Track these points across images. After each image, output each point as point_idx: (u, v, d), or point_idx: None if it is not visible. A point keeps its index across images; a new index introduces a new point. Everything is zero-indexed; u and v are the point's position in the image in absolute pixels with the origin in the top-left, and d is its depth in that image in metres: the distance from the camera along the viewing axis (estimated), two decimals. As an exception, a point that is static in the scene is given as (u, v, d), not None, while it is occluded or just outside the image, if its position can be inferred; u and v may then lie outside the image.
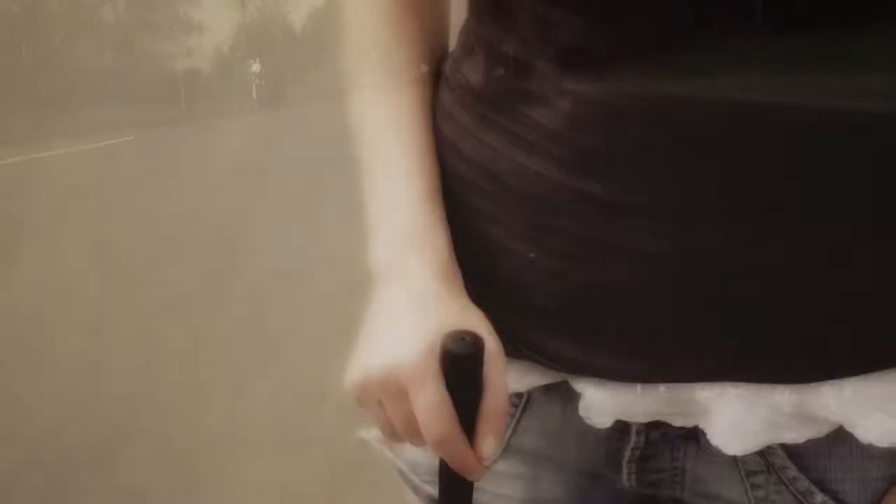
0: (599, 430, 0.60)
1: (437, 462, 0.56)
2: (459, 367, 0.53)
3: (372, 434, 0.62)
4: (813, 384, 0.55)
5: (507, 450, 0.64)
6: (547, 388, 0.62)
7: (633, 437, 0.61)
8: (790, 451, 0.58)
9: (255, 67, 27.72)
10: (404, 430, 0.55)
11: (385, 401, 0.54)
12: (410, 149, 0.61)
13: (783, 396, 0.55)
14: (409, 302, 0.55)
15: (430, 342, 0.53)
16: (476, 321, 0.55)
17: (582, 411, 0.59)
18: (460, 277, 0.58)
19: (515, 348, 0.59)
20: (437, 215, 0.59)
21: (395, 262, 0.57)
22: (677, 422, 0.59)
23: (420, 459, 0.66)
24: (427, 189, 0.60)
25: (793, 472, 0.58)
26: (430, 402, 0.52)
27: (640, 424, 0.60)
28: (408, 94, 0.63)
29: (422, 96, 0.64)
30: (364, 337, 0.56)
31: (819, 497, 0.58)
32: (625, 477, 0.63)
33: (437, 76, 0.65)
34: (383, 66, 0.64)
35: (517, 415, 0.64)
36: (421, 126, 0.62)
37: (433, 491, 0.64)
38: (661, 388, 0.57)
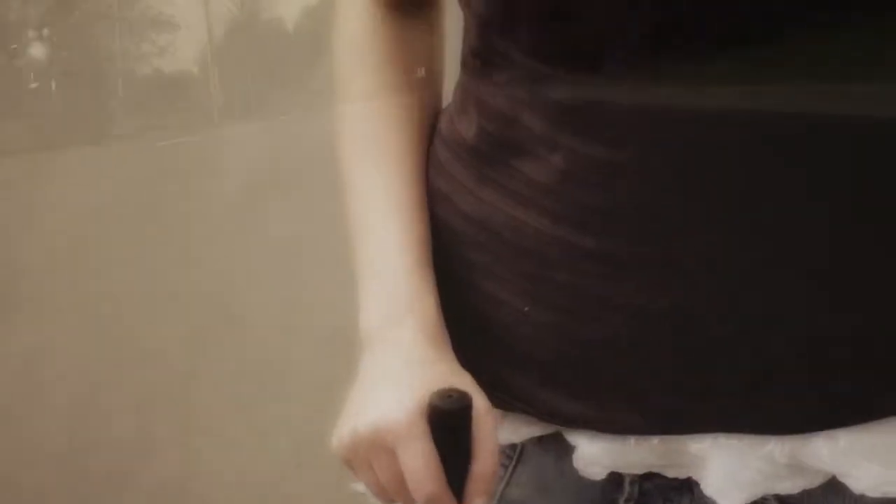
0: (593, 481, 0.60)
1: None
2: (447, 424, 0.53)
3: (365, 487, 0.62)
4: (807, 434, 0.55)
5: (500, 501, 0.64)
6: (541, 440, 0.62)
7: (627, 488, 0.61)
8: (784, 501, 0.58)
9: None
10: (394, 490, 0.54)
11: (373, 460, 0.54)
12: (400, 217, 0.61)
13: (777, 447, 0.55)
14: (397, 365, 0.56)
15: (417, 401, 0.53)
16: (464, 381, 0.55)
17: (576, 463, 0.59)
18: (449, 342, 0.59)
19: (509, 401, 0.59)
20: (425, 283, 0.60)
21: (383, 329, 0.58)
22: (671, 473, 0.59)
23: None
24: (416, 258, 0.60)
25: None
26: (418, 460, 0.52)
27: (634, 475, 0.60)
28: (400, 159, 0.64)
29: (415, 158, 0.64)
30: (351, 399, 0.56)
31: None
32: None
33: (432, 132, 0.66)
34: (376, 130, 0.65)
35: (511, 466, 0.64)
36: (411, 192, 0.63)
37: None
38: (655, 440, 0.57)
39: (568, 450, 0.60)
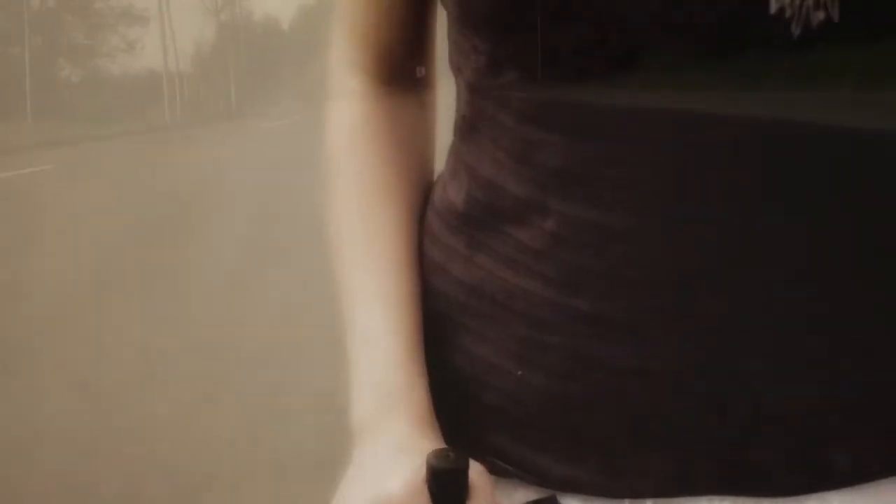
0: None
1: None
2: (445, 485, 0.53)
3: None
4: (799, 497, 0.55)
5: None
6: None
7: None
8: None
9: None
10: None
11: None
12: (392, 308, 0.62)
13: None
14: (391, 448, 0.56)
15: (415, 471, 0.53)
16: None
17: None
18: (438, 429, 0.59)
19: (503, 466, 0.60)
20: (417, 375, 0.60)
21: (374, 419, 0.58)
22: None
23: None
24: (407, 349, 0.61)
25: None
26: None
27: None
28: (391, 247, 0.64)
29: (407, 243, 0.65)
30: (346, 481, 0.56)
31: None
32: None
33: (425, 206, 0.67)
34: (368, 217, 0.66)
35: None
36: (402, 282, 0.63)
37: None
38: (648, 502, 0.57)
39: None
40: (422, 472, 0.53)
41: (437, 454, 0.53)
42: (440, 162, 0.68)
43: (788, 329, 0.54)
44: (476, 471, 0.54)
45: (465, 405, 0.61)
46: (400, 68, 0.69)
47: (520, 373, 0.58)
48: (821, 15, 0.48)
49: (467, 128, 0.61)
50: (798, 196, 0.52)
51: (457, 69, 0.62)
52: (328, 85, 0.71)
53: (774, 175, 0.52)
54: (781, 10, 0.48)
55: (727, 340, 0.54)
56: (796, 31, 0.49)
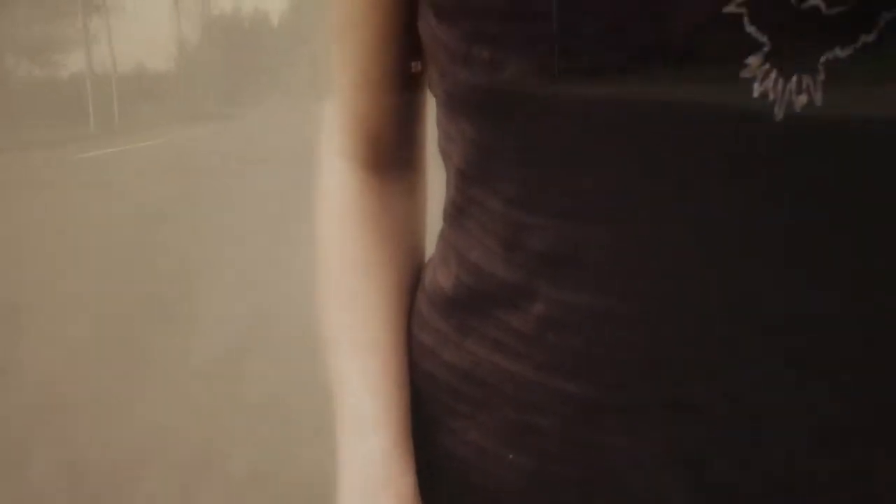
0: None
1: None
2: None
3: None
4: None
5: None
6: None
7: None
8: None
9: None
10: None
11: None
12: (381, 397, 0.62)
13: None
14: None
15: None
16: None
17: None
18: None
19: None
20: (404, 462, 0.61)
21: None
22: None
23: None
24: (394, 437, 0.61)
25: None
26: None
27: None
28: (380, 336, 0.65)
29: (396, 331, 0.65)
30: None
31: None
32: None
33: (415, 290, 0.67)
34: (357, 306, 0.66)
35: None
36: (390, 370, 0.64)
37: None
38: None
39: None
40: None
41: None
42: (431, 245, 0.68)
43: (781, 418, 0.53)
44: None
45: (455, 490, 0.61)
46: (390, 155, 0.69)
47: (511, 457, 0.58)
48: (804, 99, 0.48)
49: (456, 212, 0.61)
50: (791, 277, 0.52)
51: (445, 154, 0.62)
52: (318, 171, 0.71)
53: (762, 260, 0.51)
54: (764, 93, 0.48)
55: (719, 426, 0.53)
56: (779, 114, 0.49)
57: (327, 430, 0.63)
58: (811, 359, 0.53)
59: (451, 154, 0.60)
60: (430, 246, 0.69)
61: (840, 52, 0.48)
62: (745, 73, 0.48)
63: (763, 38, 0.48)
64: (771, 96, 0.48)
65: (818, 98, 0.48)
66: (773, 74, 0.48)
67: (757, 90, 0.48)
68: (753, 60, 0.48)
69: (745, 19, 0.48)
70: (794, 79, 0.48)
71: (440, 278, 0.63)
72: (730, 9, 0.48)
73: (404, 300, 0.67)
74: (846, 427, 0.54)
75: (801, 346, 0.53)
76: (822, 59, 0.48)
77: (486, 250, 0.58)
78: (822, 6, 0.47)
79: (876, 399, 0.54)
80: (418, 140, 0.70)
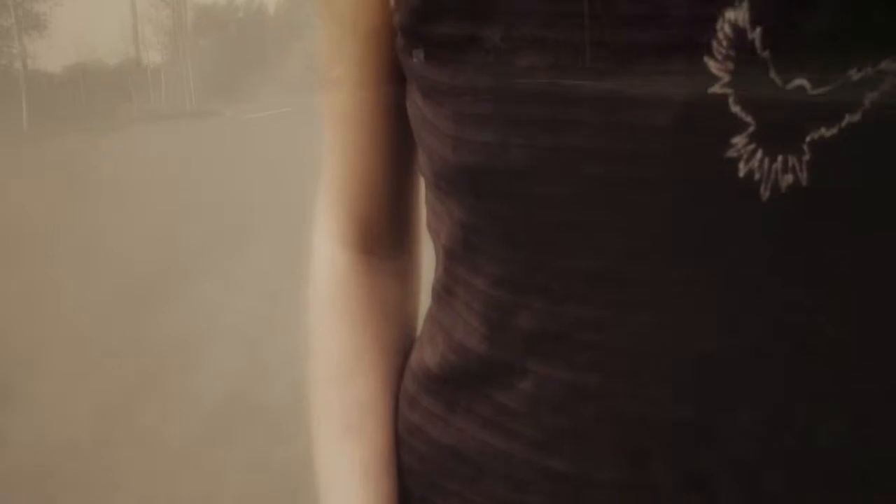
0: None
1: None
2: None
3: None
4: None
5: None
6: None
7: None
8: None
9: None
10: None
11: None
12: (367, 478, 0.63)
13: None
14: None
15: None
16: None
17: None
18: None
19: None
20: None
21: None
22: None
23: None
24: None
25: None
26: None
27: None
28: (364, 412, 0.65)
29: (381, 408, 0.66)
30: None
31: None
32: None
33: (403, 366, 0.68)
34: (346, 401, 0.67)
35: None
36: (379, 469, 0.64)
37: None
38: None
39: None
40: None
41: None
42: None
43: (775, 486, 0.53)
44: None
45: None
46: (382, 237, 0.70)
47: None
48: (790, 178, 0.48)
49: (443, 291, 0.61)
50: (780, 354, 0.51)
51: (434, 234, 0.62)
52: (310, 255, 0.71)
53: (752, 339, 0.51)
54: (750, 173, 0.48)
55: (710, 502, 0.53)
56: (765, 194, 0.48)
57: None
58: (804, 434, 0.52)
59: (439, 233, 0.60)
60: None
61: (826, 132, 0.48)
62: (730, 153, 0.48)
63: (748, 118, 0.48)
64: (756, 176, 0.48)
65: (804, 178, 0.48)
66: (759, 154, 0.48)
67: (742, 170, 0.48)
68: (739, 140, 0.48)
69: (731, 99, 0.48)
70: (780, 158, 0.48)
71: (427, 357, 0.63)
72: (715, 89, 0.48)
73: (392, 384, 0.67)
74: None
75: (795, 424, 0.52)
76: (808, 138, 0.48)
77: (473, 330, 0.58)
78: (808, 86, 0.47)
79: (871, 479, 0.53)
80: (410, 221, 0.70)
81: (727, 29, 0.47)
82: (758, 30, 0.47)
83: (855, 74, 0.47)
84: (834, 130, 0.48)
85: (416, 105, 0.57)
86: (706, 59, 0.47)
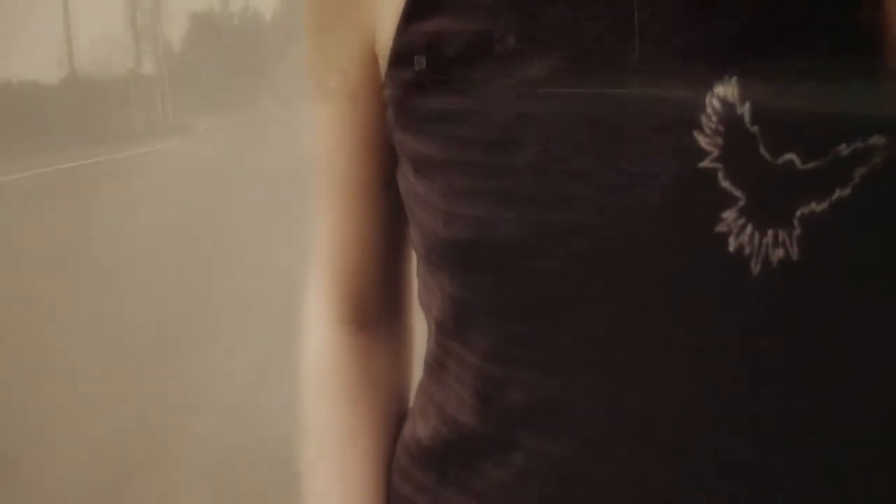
0: None
1: None
2: None
3: None
4: None
5: None
6: None
7: None
8: None
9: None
10: None
11: None
12: None
13: None
14: None
15: None
16: None
17: None
18: None
19: None
20: None
21: None
22: None
23: None
24: None
25: None
26: None
27: None
28: (356, 488, 0.65)
29: (374, 482, 0.66)
30: None
31: None
32: None
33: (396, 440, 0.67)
34: (336, 461, 0.67)
35: None
36: None
37: None
38: None
39: None
40: None
41: None
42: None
43: None
44: None
45: None
46: (374, 311, 0.69)
47: None
48: (780, 253, 0.48)
49: (435, 364, 0.61)
50: (767, 430, 0.51)
51: (426, 307, 0.62)
52: (302, 333, 0.71)
53: (742, 413, 0.51)
54: (740, 247, 0.48)
55: None
56: (756, 268, 0.48)
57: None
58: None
59: (431, 307, 0.60)
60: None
61: (816, 207, 0.48)
62: (720, 228, 0.48)
63: (738, 193, 0.48)
64: (747, 251, 0.48)
65: (794, 252, 0.48)
66: (749, 229, 0.48)
67: (732, 244, 0.48)
68: (729, 215, 0.48)
69: (720, 174, 0.47)
70: (770, 233, 0.48)
71: (419, 430, 0.63)
72: (704, 164, 0.47)
73: (384, 459, 0.67)
74: None
75: (777, 492, 0.52)
76: (798, 213, 0.48)
77: (464, 403, 0.58)
78: (797, 161, 0.47)
79: None
80: (403, 294, 0.70)
81: (716, 104, 0.47)
82: (746, 105, 0.47)
83: (845, 149, 0.47)
84: (824, 205, 0.47)
85: (408, 180, 0.57)
86: (695, 133, 0.47)
